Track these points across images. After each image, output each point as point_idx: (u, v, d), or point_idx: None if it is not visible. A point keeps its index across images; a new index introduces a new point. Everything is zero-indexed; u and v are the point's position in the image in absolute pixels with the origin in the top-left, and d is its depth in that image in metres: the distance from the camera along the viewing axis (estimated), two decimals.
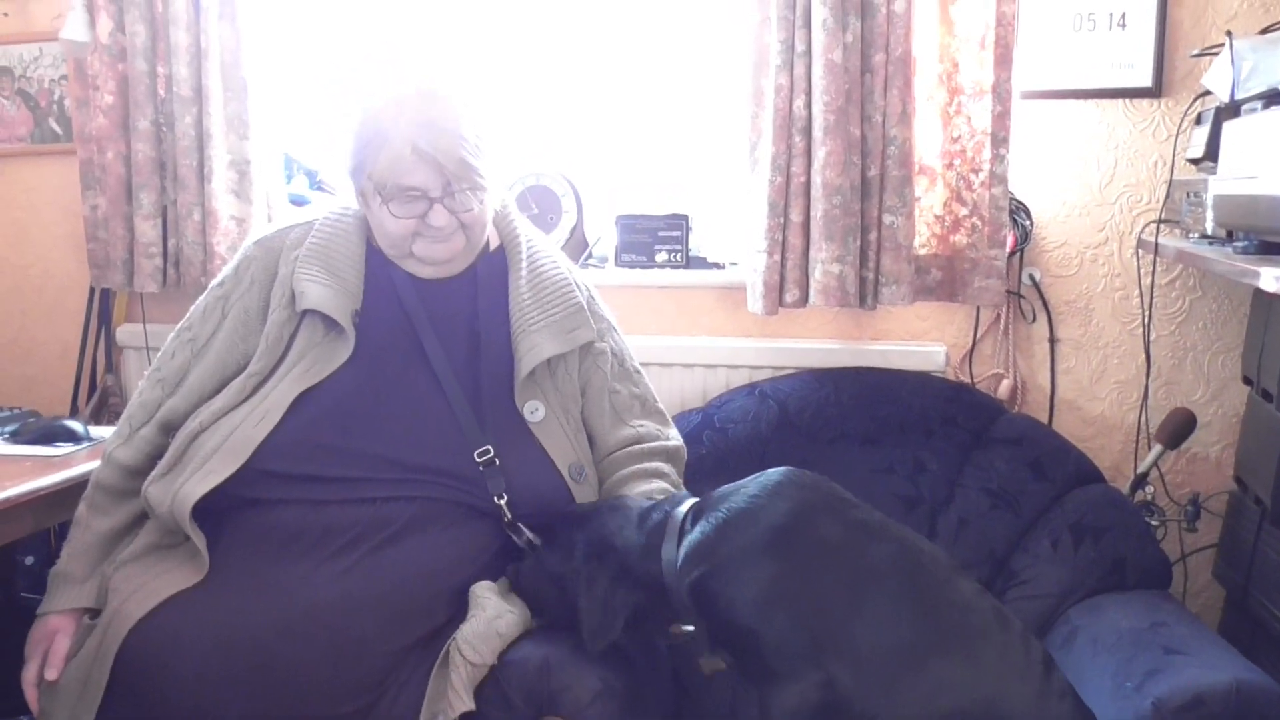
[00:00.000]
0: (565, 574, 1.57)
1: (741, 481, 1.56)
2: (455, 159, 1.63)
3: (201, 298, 1.80)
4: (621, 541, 1.57)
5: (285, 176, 2.59)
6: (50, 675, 1.57)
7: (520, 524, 1.65)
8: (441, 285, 1.76)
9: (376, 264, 1.76)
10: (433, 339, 1.71)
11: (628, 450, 1.81)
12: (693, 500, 1.59)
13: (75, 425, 2.05)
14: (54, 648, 1.59)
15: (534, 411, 1.72)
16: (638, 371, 1.89)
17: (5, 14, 2.70)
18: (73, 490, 1.76)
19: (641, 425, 1.83)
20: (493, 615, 1.53)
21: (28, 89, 2.71)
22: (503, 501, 1.65)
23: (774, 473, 1.55)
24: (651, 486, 1.75)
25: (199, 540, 1.58)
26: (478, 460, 1.65)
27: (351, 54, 2.63)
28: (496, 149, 1.73)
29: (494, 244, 1.83)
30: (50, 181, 2.73)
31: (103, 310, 2.69)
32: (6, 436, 2.04)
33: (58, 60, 2.67)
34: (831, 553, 1.45)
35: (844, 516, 1.49)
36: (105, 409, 2.65)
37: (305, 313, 1.70)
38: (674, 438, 1.87)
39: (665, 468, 1.80)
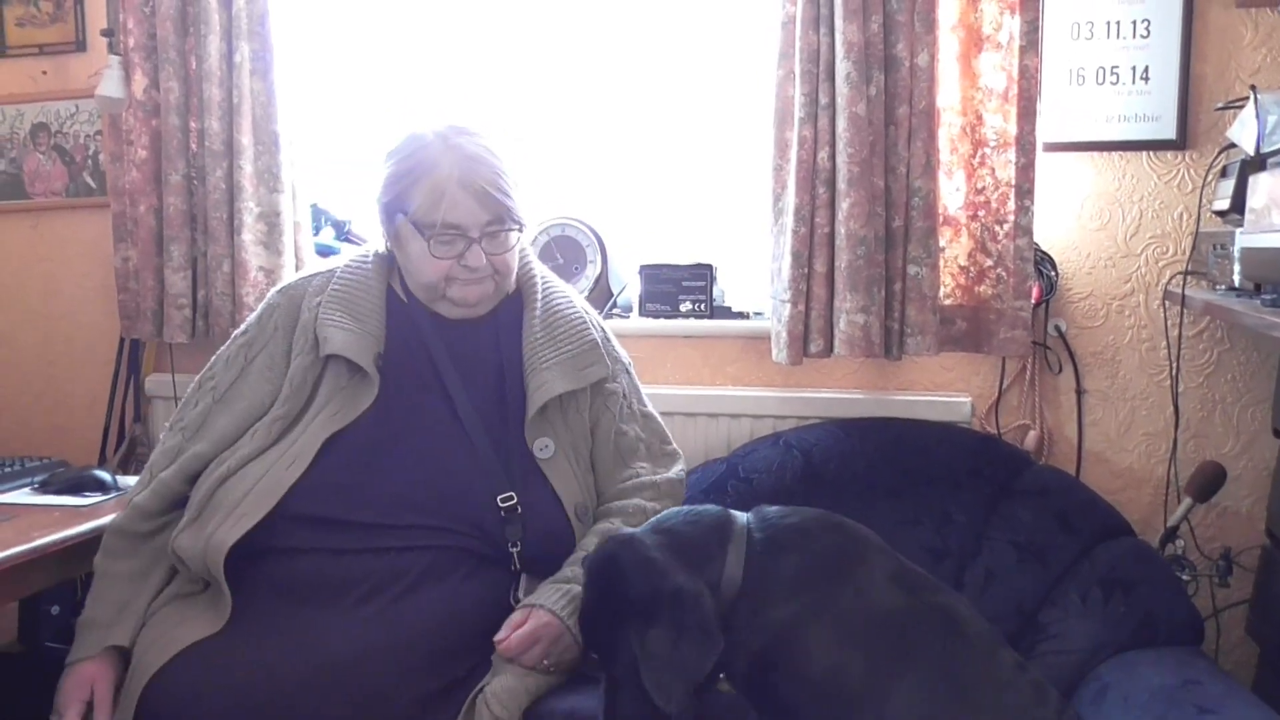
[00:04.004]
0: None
1: (800, 522, 1.49)
2: (500, 191, 1.68)
3: (223, 347, 1.82)
4: (662, 579, 1.37)
5: (314, 228, 2.62)
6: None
7: (523, 575, 1.66)
8: (462, 327, 1.78)
9: (397, 307, 1.78)
10: (455, 380, 1.73)
11: (615, 491, 1.81)
12: (745, 516, 1.49)
13: (104, 475, 2.06)
14: (98, 695, 1.58)
15: (543, 449, 1.73)
16: (646, 415, 1.89)
17: (44, 72, 2.76)
18: (100, 540, 1.77)
19: (642, 467, 1.83)
20: (524, 674, 1.53)
21: (64, 144, 2.77)
22: (515, 550, 1.65)
23: (829, 525, 1.49)
24: (603, 525, 1.73)
25: (225, 588, 1.58)
26: (500, 505, 1.65)
27: (382, 102, 2.68)
28: (525, 192, 1.77)
29: (513, 287, 1.85)
30: (83, 234, 2.77)
31: (132, 360, 2.72)
32: (35, 486, 2.06)
33: (93, 116, 2.72)
34: (887, 621, 1.41)
35: (902, 583, 1.46)
36: (133, 458, 2.67)
37: (329, 358, 1.71)
38: (673, 472, 1.84)
39: (635, 503, 1.76)
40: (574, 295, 1.90)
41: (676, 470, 1.86)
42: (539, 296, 1.82)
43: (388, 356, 1.73)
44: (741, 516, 1.50)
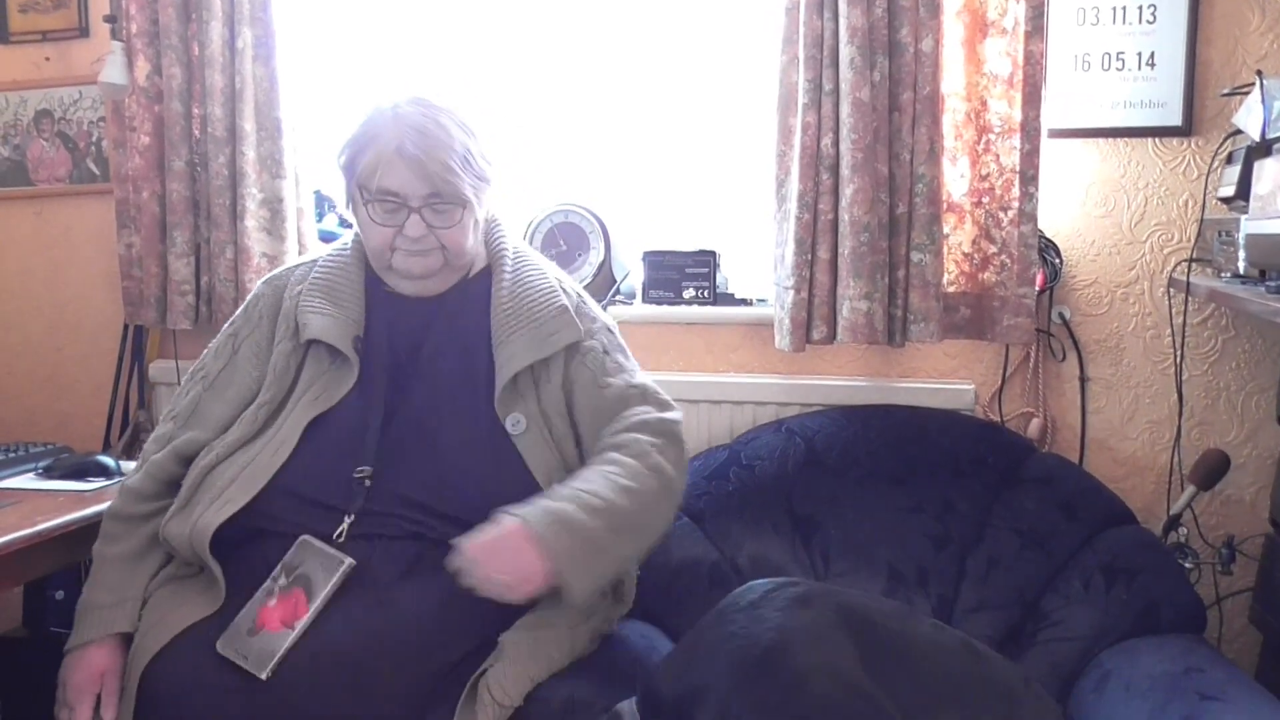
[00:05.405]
0: None
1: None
2: (440, 165, 1.64)
3: (214, 339, 1.84)
4: None
5: (317, 214, 2.62)
6: (109, 717, 1.57)
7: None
8: (431, 305, 1.77)
9: (375, 290, 1.78)
10: (432, 360, 1.73)
11: (614, 429, 1.70)
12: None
13: (107, 461, 2.07)
14: (107, 688, 1.58)
15: (515, 424, 1.70)
16: (633, 369, 1.80)
17: (47, 58, 2.76)
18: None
19: (641, 409, 1.71)
20: (527, 658, 1.53)
21: (67, 130, 2.77)
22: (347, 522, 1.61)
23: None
24: (600, 457, 1.64)
25: (216, 569, 1.59)
26: (356, 476, 1.63)
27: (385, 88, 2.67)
28: (488, 171, 1.72)
29: (482, 263, 1.82)
30: (87, 221, 2.77)
31: (136, 347, 2.72)
32: (40, 472, 2.07)
33: (96, 103, 2.72)
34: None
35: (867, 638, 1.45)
36: (137, 444, 2.67)
37: (310, 343, 1.73)
38: (668, 415, 1.72)
39: (628, 437, 1.65)
40: (547, 266, 1.86)
41: (672, 415, 1.73)
42: (508, 270, 1.79)
43: (368, 340, 1.74)
44: (626, 707, 1.49)
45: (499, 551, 1.45)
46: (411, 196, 1.66)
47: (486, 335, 1.74)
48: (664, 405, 1.75)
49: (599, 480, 1.56)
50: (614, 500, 1.53)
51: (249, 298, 1.85)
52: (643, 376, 1.80)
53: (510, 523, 1.47)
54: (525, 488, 1.63)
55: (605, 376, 1.75)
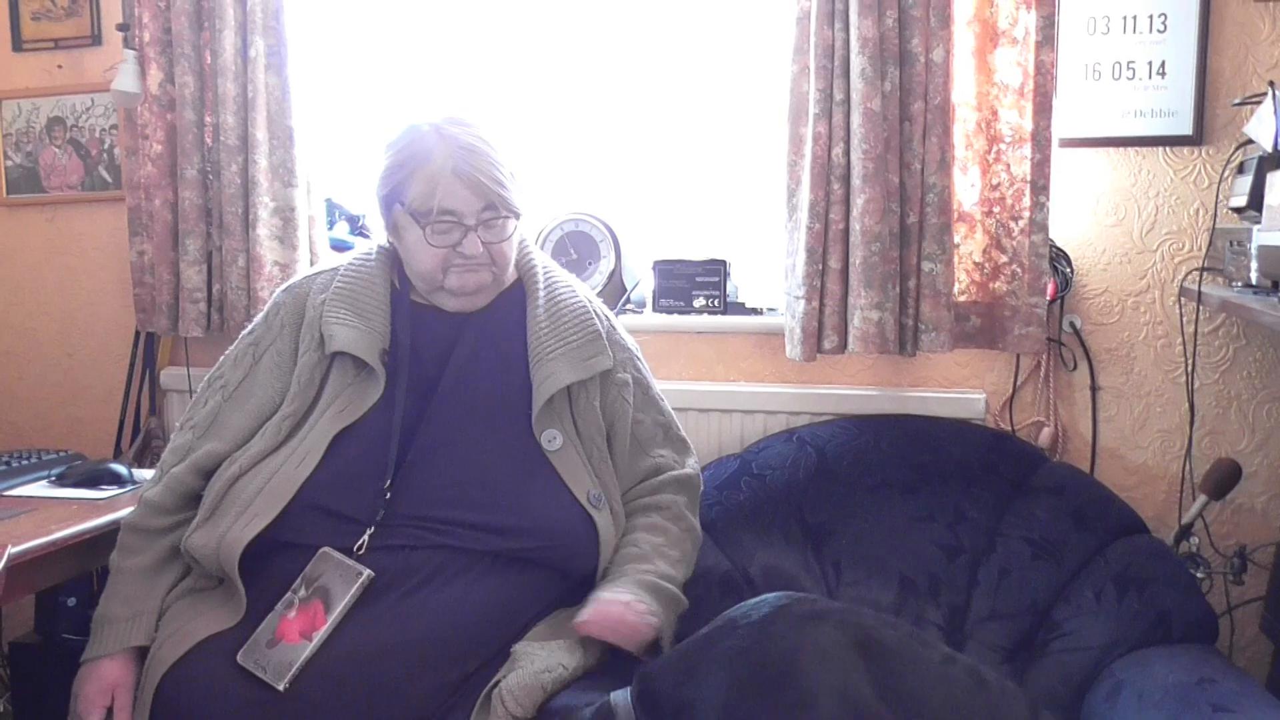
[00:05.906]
0: None
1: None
2: (493, 179, 1.68)
3: (232, 346, 1.84)
4: None
5: (328, 222, 2.63)
6: None
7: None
8: (465, 320, 1.78)
9: (400, 303, 1.79)
10: (460, 373, 1.74)
11: (642, 485, 1.85)
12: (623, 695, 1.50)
13: (120, 468, 2.07)
14: (118, 704, 1.59)
15: (551, 440, 1.73)
16: (660, 398, 1.92)
17: (60, 66, 2.77)
18: (116, 533, 1.78)
19: (661, 455, 1.87)
20: (540, 669, 1.53)
21: (79, 138, 2.78)
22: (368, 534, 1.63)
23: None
24: (647, 520, 1.80)
25: (240, 585, 1.59)
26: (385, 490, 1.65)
27: (397, 97, 2.68)
28: (522, 183, 1.77)
29: (511, 279, 1.85)
30: (99, 228, 2.78)
31: (147, 354, 2.73)
32: (53, 479, 2.07)
33: (109, 110, 2.73)
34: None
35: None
36: (148, 451, 2.68)
37: (335, 355, 1.73)
38: (690, 466, 1.90)
39: (667, 498, 1.83)
40: (576, 284, 1.90)
41: (693, 464, 1.91)
42: (541, 287, 1.82)
43: (393, 352, 1.75)
44: (620, 699, 1.50)
45: (623, 624, 1.62)
46: (468, 214, 1.68)
47: (520, 351, 1.77)
48: (684, 447, 1.93)
49: (663, 562, 1.74)
50: (677, 575, 1.75)
51: (268, 306, 1.85)
52: (667, 407, 1.93)
53: (631, 599, 1.64)
54: (562, 502, 1.70)
55: (639, 412, 1.86)
